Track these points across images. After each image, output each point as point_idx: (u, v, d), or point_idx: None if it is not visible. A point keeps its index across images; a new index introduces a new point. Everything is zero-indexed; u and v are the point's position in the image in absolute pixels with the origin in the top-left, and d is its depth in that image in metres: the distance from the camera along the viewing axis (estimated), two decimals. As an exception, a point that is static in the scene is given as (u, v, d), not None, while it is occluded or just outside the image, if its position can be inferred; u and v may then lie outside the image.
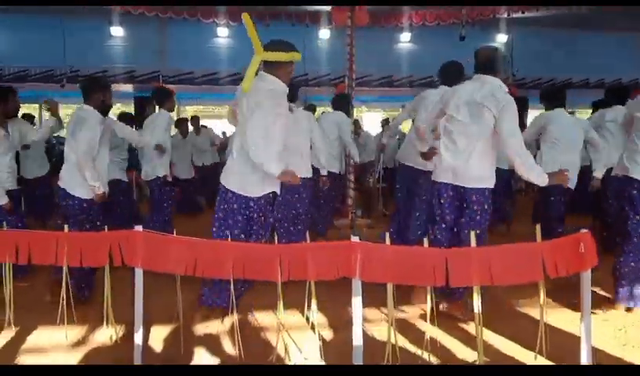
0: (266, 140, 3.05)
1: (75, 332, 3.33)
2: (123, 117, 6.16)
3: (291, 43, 3.28)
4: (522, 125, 8.22)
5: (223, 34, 12.37)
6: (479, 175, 3.33)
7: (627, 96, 5.73)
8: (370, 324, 3.42)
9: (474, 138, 3.29)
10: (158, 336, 3.31)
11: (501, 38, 13.22)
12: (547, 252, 2.64)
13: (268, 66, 3.20)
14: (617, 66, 13.02)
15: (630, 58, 13.22)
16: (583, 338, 2.65)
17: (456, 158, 3.36)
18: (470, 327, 3.24)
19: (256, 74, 3.13)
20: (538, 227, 2.80)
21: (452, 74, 4.30)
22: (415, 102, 4.62)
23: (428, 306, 2.91)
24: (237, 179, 3.22)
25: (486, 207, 3.36)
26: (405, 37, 13.26)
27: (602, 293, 3.97)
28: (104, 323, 3.20)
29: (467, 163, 3.31)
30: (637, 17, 11.52)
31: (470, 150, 3.30)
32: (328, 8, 9.15)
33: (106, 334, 3.27)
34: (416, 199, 4.41)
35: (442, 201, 3.46)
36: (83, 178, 3.67)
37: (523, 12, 10.88)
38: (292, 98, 4.08)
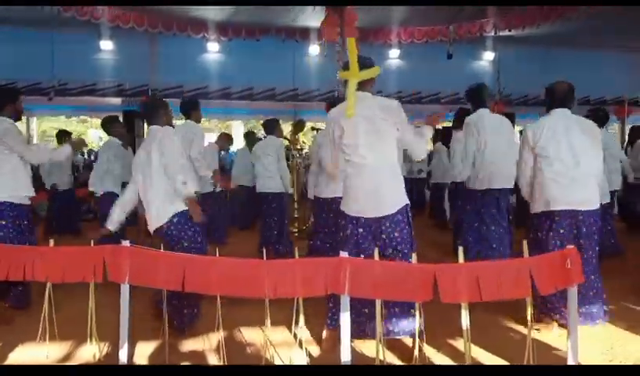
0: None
1: (57, 349, 3.26)
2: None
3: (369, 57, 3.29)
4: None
5: (213, 49, 12.39)
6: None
7: (607, 119, 5.85)
8: (358, 341, 3.40)
9: None
10: (143, 353, 3.26)
11: (488, 56, 13.41)
12: (535, 268, 2.65)
13: (360, 86, 3.15)
14: (603, 84, 13.27)
15: (616, 76, 13.47)
16: (570, 355, 2.66)
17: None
18: (459, 344, 3.23)
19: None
20: (525, 243, 2.81)
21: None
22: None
23: (417, 323, 2.90)
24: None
25: None
26: (394, 53, 13.39)
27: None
28: (88, 339, 3.14)
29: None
30: (622, 35, 11.79)
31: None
32: (317, 24, 9.21)
33: (89, 352, 3.20)
34: None
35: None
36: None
37: (510, 31, 11.06)
38: None
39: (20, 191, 3.93)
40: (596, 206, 3.52)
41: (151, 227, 3.52)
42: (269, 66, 12.32)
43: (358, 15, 8.06)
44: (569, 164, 3.45)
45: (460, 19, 11.04)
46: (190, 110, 5.33)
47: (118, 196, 5.23)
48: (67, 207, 7.93)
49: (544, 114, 3.66)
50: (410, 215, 3.20)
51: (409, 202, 3.20)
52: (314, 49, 12.64)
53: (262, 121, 7.01)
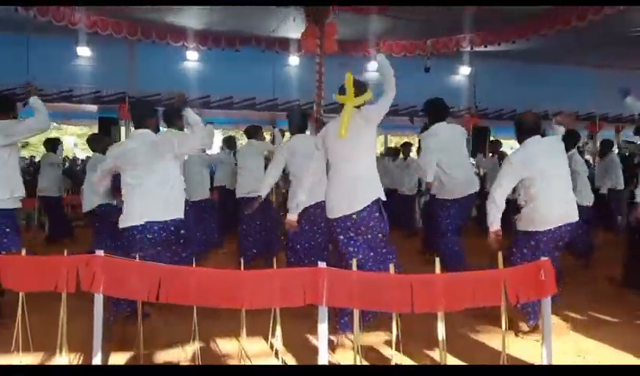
0: None
1: (29, 359, 3.17)
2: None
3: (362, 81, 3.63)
4: (484, 152, 8.48)
5: (192, 58, 12.35)
6: None
7: (579, 140, 6.02)
8: (344, 349, 3.39)
9: None
10: (116, 364, 3.19)
11: (464, 70, 13.66)
12: (509, 279, 2.70)
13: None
14: (576, 98, 13.63)
15: (587, 92, 13.87)
16: (545, 359, 2.71)
17: None
18: (435, 354, 3.25)
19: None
20: (500, 254, 2.86)
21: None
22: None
23: (394, 333, 2.92)
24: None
25: None
26: (373, 66, 13.53)
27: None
28: (60, 350, 3.06)
29: None
30: (594, 53, 12.15)
31: None
32: (297, 35, 9.27)
33: (61, 362, 3.12)
34: None
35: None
36: None
37: (486, 46, 11.30)
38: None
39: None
40: (577, 218, 3.71)
41: None
42: (249, 75, 12.32)
43: (338, 27, 8.14)
44: (563, 183, 3.68)
45: (438, 35, 11.23)
46: (175, 118, 5.16)
47: (113, 205, 5.19)
48: (59, 214, 7.90)
49: (520, 146, 3.75)
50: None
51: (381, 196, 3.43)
52: (293, 60, 12.70)
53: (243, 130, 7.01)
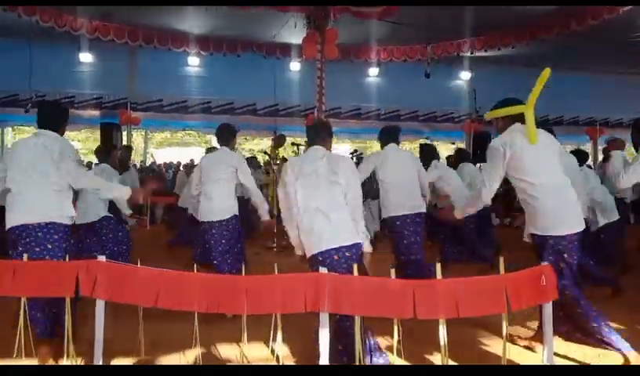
0: None
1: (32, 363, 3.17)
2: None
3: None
4: (483, 160, 8.49)
5: (193, 63, 12.39)
6: None
7: (587, 158, 5.99)
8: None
9: None
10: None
11: (465, 75, 13.70)
12: (510, 284, 2.70)
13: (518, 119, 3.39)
14: (576, 104, 13.67)
15: (588, 96, 13.89)
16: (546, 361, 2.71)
17: None
18: (436, 359, 3.25)
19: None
20: (501, 259, 2.86)
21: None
22: None
23: (395, 338, 2.91)
24: None
25: None
26: (374, 71, 13.57)
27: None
28: (64, 356, 3.07)
29: None
30: (596, 58, 12.18)
31: None
32: (298, 41, 9.30)
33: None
34: None
35: None
36: None
37: (486, 51, 11.33)
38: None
39: None
40: None
41: None
42: (250, 81, 12.37)
43: (339, 33, 8.17)
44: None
45: (438, 39, 11.27)
46: (231, 137, 4.89)
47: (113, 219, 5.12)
48: None
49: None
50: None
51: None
52: (294, 65, 12.74)
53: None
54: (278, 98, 13.07)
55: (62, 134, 3.53)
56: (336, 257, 2.90)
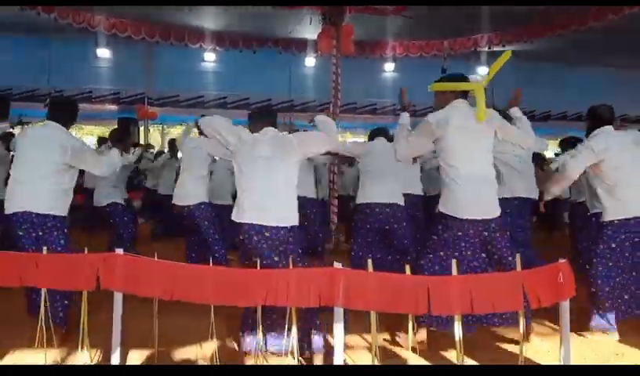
0: None
1: (51, 356, 3.24)
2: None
3: None
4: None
5: (209, 59, 12.44)
6: None
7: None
8: (352, 352, 3.39)
9: None
10: (135, 361, 3.24)
11: (482, 71, 13.53)
12: (528, 281, 2.67)
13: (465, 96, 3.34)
14: (594, 99, 13.42)
15: (606, 91, 13.63)
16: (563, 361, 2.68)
17: None
18: (452, 355, 3.23)
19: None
20: (518, 256, 2.84)
21: None
22: None
23: (410, 334, 2.91)
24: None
25: None
26: (389, 67, 13.48)
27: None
28: (79, 346, 3.12)
29: None
30: (611, 52, 11.96)
31: None
32: (314, 37, 9.28)
33: (81, 359, 3.18)
34: None
35: None
36: None
37: (504, 46, 11.17)
38: None
39: None
40: None
41: None
42: (265, 76, 12.39)
43: (355, 28, 8.12)
44: None
45: (455, 35, 11.16)
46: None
47: (122, 204, 5.52)
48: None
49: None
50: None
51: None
52: (310, 61, 12.72)
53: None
54: (294, 93, 13.08)
55: (68, 128, 3.72)
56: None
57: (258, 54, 11.72)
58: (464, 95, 3.31)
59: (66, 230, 3.56)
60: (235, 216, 3.17)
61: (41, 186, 3.44)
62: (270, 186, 3.11)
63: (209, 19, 10.48)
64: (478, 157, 3.22)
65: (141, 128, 12.62)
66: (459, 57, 11.92)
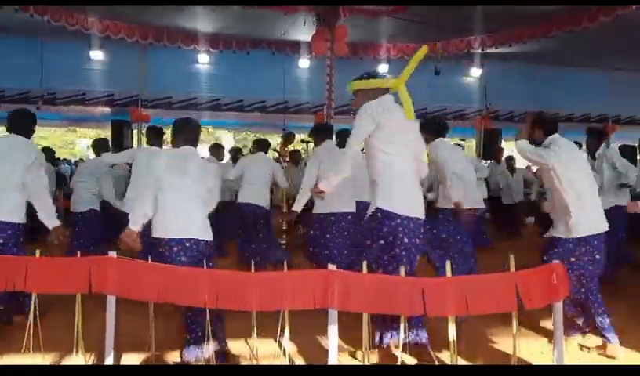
0: None
1: (43, 359, 3.21)
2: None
3: None
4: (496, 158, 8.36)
5: (203, 61, 12.42)
6: None
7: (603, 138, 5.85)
8: (345, 353, 3.39)
9: None
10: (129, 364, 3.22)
11: (475, 72, 13.60)
12: (521, 282, 2.68)
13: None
14: (587, 101, 13.54)
15: (599, 93, 13.74)
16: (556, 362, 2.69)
17: None
18: (445, 356, 3.24)
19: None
20: (512, 257, 2.85)
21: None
22: None
23: (401, 336, 2.91)
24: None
25: None
26: (383, 68, 13.49)
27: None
28: (74, 349, 3.10)
29: None
30: (605, 53, 12.04)
31: None
32: (308, 38, 9.30)
33: (75, 362, 3.16)
34: None
35: None
36: None
37: (497, 47, 11.23)
38: None
39: None
40: None
41: None
42: (259, 78, 12.37)
43: (348, 30, 8.15)
44: None
45: (448, 36, 11.19)
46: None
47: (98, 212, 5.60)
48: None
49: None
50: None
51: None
52: (304, 62, 12.73)
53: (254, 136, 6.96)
54: (288, 95, 13.07)
55: (29, 137, 3.90)
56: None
57: (252, 56, 11.70)
58: (386, 92, 3.29)
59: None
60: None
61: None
62: None
63: (202, 21, 10.46)
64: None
65: (134, 131, 12.55)
66: (452, 58, 11.96)
